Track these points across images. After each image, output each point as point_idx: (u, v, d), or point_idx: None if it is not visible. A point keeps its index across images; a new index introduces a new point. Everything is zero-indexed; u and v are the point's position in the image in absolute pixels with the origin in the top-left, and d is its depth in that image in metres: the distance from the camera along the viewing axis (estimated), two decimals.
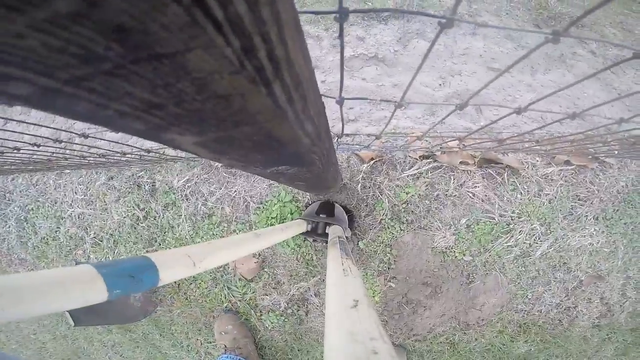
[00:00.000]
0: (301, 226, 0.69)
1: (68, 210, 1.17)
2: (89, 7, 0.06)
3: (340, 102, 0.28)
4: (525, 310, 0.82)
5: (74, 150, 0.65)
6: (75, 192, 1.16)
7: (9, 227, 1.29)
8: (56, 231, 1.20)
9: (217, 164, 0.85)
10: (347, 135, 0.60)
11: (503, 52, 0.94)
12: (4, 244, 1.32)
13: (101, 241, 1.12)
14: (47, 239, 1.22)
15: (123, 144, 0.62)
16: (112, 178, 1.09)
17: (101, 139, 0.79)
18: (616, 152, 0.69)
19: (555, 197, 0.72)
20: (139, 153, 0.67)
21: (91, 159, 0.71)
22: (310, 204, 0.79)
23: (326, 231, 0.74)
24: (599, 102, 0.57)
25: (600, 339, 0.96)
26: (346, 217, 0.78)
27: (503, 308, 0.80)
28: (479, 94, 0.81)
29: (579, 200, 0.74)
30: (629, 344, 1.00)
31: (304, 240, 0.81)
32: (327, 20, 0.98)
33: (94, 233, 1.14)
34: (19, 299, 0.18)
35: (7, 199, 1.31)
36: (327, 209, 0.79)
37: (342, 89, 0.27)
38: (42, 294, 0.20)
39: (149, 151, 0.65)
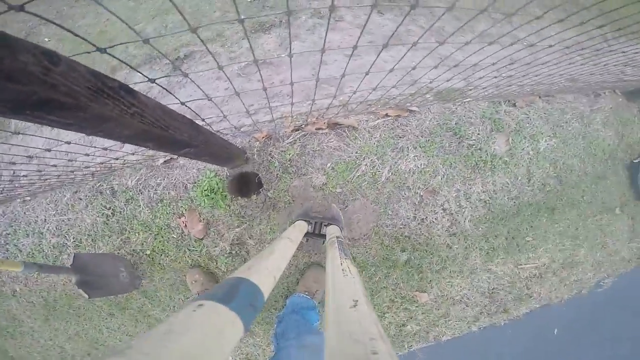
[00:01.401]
0: (303, 227, 0.80)
1: (45, 225, 1.41)
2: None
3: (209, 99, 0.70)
4: (391, 225, 1.21)
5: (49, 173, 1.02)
6: (47, 210, 1.41)
7: None
8: (39, 245, 1.42)
9: (157, 162, 1.24)
10: (241, 129, 1.02)
11: (352, 40, 1.41)
12: None
13: (81, 242, 1.39)
14: (33, 252, 1.43)
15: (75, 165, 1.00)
16: (76, 192, 1.39)
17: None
18: (430, 102, 1.13)
19: (382, 138, 1.16)
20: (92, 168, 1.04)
21: (76, 174, 1.07)
22: (229, 179, 1.16)
23: (322, 232, 0.83)
24: (427, 69, 0.88)
25: (462, 247, 1.34)
26: (342, 216, 0.95)
27: (374, 224, 1.20)
28: (336, 77, 1.25)
29: (399, 137, 1.18)
30: (487, 250, 1.38)
31: (232, 200, 1.18)
32: (222, 38, 1.41)
33: (74, 237, 1.40)
34: None
35: None
36: (322, 208, 0.98)
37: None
38: (211, 354, 0.20)
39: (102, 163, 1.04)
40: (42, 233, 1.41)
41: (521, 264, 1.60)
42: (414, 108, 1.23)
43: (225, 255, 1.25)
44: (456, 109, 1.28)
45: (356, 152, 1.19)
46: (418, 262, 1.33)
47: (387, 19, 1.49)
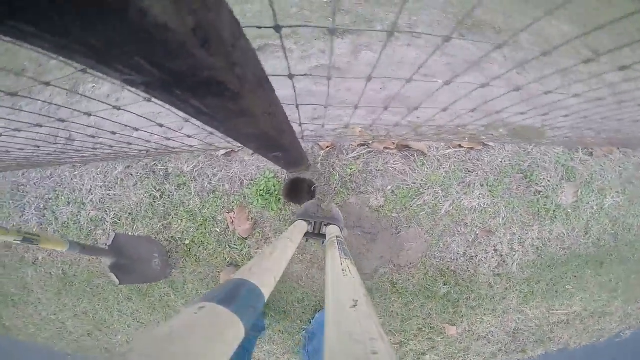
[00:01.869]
0: (303, 227, 0.77)
1: (88, 196, 1.39)
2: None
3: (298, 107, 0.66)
4: (440, 257, 1.18)
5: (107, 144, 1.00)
6: (95, 180, 1.39)
7: (28, 216, 1.46)
8: (77, 215, 1.41)
9: (217, 153, 1.21)
10: (316, 124, 0.98)
11: (432, 60, 1.34)
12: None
13: (119, 220, 1.38)
14: (68, 223, 1.41)
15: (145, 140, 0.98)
16: (129, 167, 1.35)
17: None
18: (505, 138, 1.07)
19: (450, 170, 1.11)
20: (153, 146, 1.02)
21: (132, 150, 1.06)
22: (285, 182, 1.14)
23: (322, 232, 0.81)
24: (504, 100, 0.84)
25: (503, 288, 1.31)
26: (342, 216, 0.89)
27: (423, 254, 1.16)
28: (408, 94, 1.19)
29: (468, 171, 1.12)
30: (526, 293, 1.35)
31: (284, 205, 1.16)
32: (297, 36, 1.36)
33: (114, 214, 1.38)
34: None
35: (21, 191, 1.48)
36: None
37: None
38: (211, 356, 0.20)
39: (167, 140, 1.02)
40: (84, 204, 1.39)
41: (553, 310, 1.56)
42: (489, 143, 1.16)
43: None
44: (532, 150, 1.20)
45: (421, 180, 1.14)
46: (456, 297, 1.30)
47: (469, 42, 1.39)
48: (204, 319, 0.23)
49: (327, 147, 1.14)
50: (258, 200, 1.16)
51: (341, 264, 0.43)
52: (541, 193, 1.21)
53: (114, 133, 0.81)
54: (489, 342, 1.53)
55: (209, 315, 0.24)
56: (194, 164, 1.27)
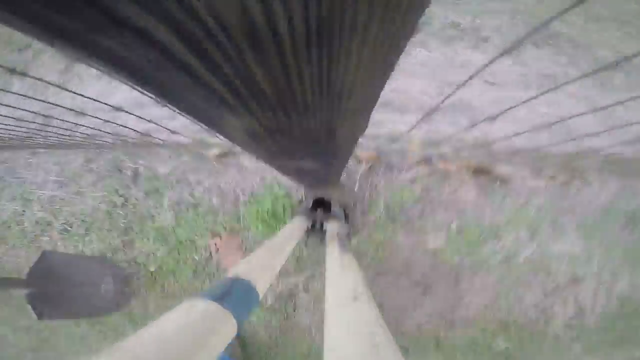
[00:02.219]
0: (303, 223, 0.69)
1: (37, 192, 1.10)
2: None
3: None
4: (506, 309, 0.88)
5: (61, 127, 0.62)
6: (48, 173, 1.09)
7: None
8: (21, 214, 1.13)
9: (208, 152, 0.83)
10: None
11: (501, 67, 0.96)
12: None
13: (71, 227, 1.07)
14: (10, 222, 1.14)
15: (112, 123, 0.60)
16: (90, 160, 1.03)
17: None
18: (601, 170, 0.74)
19: (543, 207, 0.77)
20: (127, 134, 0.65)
21: (77, 137, 0.68)
22: (303, 200, 0.80)
23: (323, 228, 0.74)
24: (588, 125, 0.60)
25: (570, 338, 1.04)
26: (343, 212, 0.78)
27: (487, 307, 0.86)
28: (472, 105, 0.83)
29: (562, 211, 0.79)
30: (594, 342, 1.09)
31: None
32: None
33: (64, 218, 1.08)
34: None
35: None
36: (322, 204, 0.80)
37: None
38: (203, 354, 0.19)
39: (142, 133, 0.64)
40: (30, 200, 1.09)
41: (613, 354, 1.34)
42: (589, 177, 0.82)
43: (264, 307, 0.91)
44: None
45: (502, 217, 0.80)
46: (513, 352, 1.03)
47: (544, 54, 1.00)
48: (196, 316, 0.22)
49: (370, 158, 0.78)
50: (258, 226, 0.82)
51: (341, 259, 0.41)
52: None
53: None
54: None
55: (201, 312, 0.23)
56: (174, 165, 0.89)
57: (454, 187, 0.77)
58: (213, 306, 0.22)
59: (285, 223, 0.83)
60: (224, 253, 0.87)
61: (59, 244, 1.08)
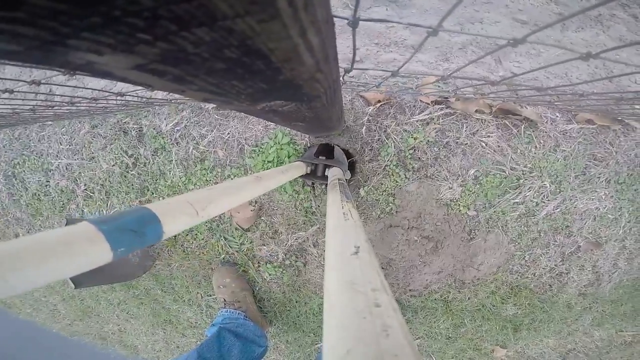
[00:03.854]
0: (300, 168, 0.62)
1: (54, 162, 1.08)
2: None
3: (354, 24, 0.21)
4: (520, 272, 0.77)
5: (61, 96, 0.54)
6: (60, 143, 1.06)
7: None
8: (46, 185, 1.12)
9: (207, 105, 0.74)
10: (358, 69, 0.48)
11: (533, 4, 0.82)
12: None
13: (93, 193, 1.05)
14: (39, 194, 1.14)
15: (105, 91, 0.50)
16: (95, 126, 0.99)
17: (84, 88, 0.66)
18: None
19: (571, 155, 0.65)
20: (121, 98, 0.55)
21: (81, 105, 0.59)
22: (309, 147, 0.70)
23: (325, 174, 0.67)
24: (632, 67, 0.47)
25: (582, 308, 0.93)
26: (346, 158, 0.72)
27: (499, 268, 0.75)
28: (499, 46, 0.70)
29: (594, 160, 0.67)
30: (606, 315, 0.99)
31: (303, 186, 0.73)
32: None
33: (85, 184, 1.06)
34: (22, 266, 0.16)
35: None
36: (326, 150, 0.73)
37: (356, 10, 0.19)
38: (45, 259, 0.17)
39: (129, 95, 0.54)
40: (50, 170, 1.07)
41: (623, 331, 1.21)
42: (633, 122, 0.68)
43: (275, 264, 0.83)
44: None
45: (525, 165, 0.68)
46: (522, 319, 0.92)
47: None
48: (66, 232, 0.19)
49: (379, 101, 0.67)
50: None
51: (342, 207, 0.36)
52: None
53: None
54: None
55: (74, 230, 0.19)
56: (175, 120, 0.81)
57: (473, 129, 0.66)
58: (87, 226, 0.20)
59: None
60: (236, 208, 0.78)
61: (85, 210, 1.08)
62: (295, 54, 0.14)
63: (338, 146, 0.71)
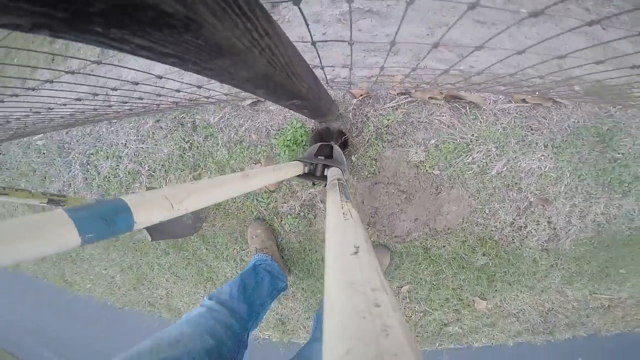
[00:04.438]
0: (297, 167, 0.67)
1: (124, 150, 1.35)
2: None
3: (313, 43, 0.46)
4: (483, 224, 0.96)
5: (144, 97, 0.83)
6: (128, 134, 1.33)
7: (74, 171, 1.46)
8: (116, 169, 1.37)
9: (243, 103, 1.03)
10: (335, 80, 0.75)
11: (491, 6, 1.02)
12: (70, 189, 1.49)
13: (154, 172, 1.33)
14: (109, 177, 1.39)
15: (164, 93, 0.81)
16: (158, 120, 1.28)
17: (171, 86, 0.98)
18: (581, 97, 0.80)
19: (509, 126, 0.86)
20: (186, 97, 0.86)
21: (161, 103, 0.90)
22: (312, 134, 0.95)
23: (325, 173, 0.71)
24: (579, 55, 0.61)
25: (548, 264, 1.08)
26: (345, 158, 0.78)
27: (464, 219, 0.95)
28: (461, 42, 0.92)
29: (530, 129, 0.87)
30: (573, 273, 1.11)
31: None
32: None
33: (148, 166, 1.33)
34: None
35: (66, 149, 1.46)
36: (325, 150, 0.80)
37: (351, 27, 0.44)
38: (17, 240, 0.19)
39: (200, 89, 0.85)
40: (120, 157, 1.36)
41: (597, 293, 1.30)
42: (561, 100, 0.87)
43: (294, 215, 1.10)
44: (616, 112, 0.90)
45: (472, 135, 0.90)
46: (494, 270, 1.09)
47: None
48: (39, 217, 0.20)
49: (361, 95, 0.92)
50: (285, 150, 0.99)
51: (342, 207, 0.38)
52: (618, 161, 0.93)
53: (136, 84, 0.65)
54: (518, 320, 1.33)
55: (47, 216, 0.21)
56: (220, 115, 1.11)
57: (431, 111, 0.89)
58: (60, 213, 0.22)
59: (304, 148, 0.99)
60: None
61: (147, 186, 1.34)
62: (299, 89, 0.39)
63: (336, 145, 0.84)
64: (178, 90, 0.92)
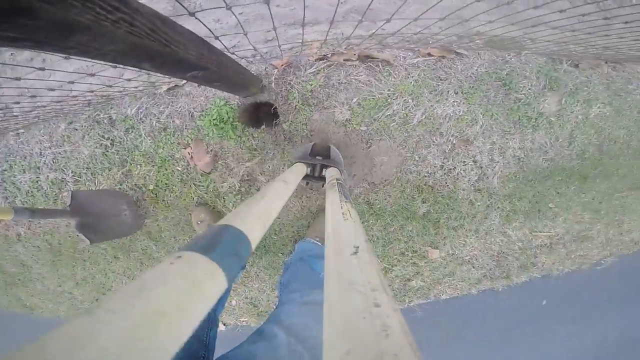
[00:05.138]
0: (302, 169, 0.68)
1: (41, 159, 1.22)
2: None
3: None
4: (416, 172, 1.02)
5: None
6: (41, 142, 1.21)
7: None
8: (37, 181, 1.25)
9: (159, 90, 1.02)
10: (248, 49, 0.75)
11: None
12: None
13: (80, 177, 1.22)
14: (31, 191, 1.26)
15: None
16: (71, 122, 1.18)
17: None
18: (480, 47, 0.87)
19: (420, 78, 0.95)
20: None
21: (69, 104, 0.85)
22: (240, 108, 0.96)
23: (322, 174, 0.72)
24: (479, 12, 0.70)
25: (484, 205, 1.17)
26: (342, 158, 0.78)
27: (398, 169, 1.00)
28: (373, 7, 0.96)
29: (439, 79, 0.95)
30: (507, 211, 1.20)
31: (244, 131, 0.98)
32: None
33: (72, 171, 1.22)
34: (167, 323, 0.16)
35: None
36: (322, 150, 0.81)
37: None
38: (187, 310, 0.17)
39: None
40: (38, 167, 1.23)
41: (536, 231, 1.43)
42: (461, 51, 0.96)
43: (234, 192, 1.09)
44: (510, 59, 1.03)
45: (388, 90, 0.96)
46: (436, 216, 1.16)
47: None
48: (179, 270, 0.18)
49: (282, 65, 0.95)
50: (213, 130, 1.01)
51: (342, 207, 0.38)
52: (522, 100, 1.05)
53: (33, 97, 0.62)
54: (474, 267, 1.42)
55: (185, 265, 0.19)
56: (137, 105, 1.10)
57: (348, 72, 0.94)
58: (198, 258, 0.20)
59: (232, 124, 0.99)
60: (197, 158, 1.06)
61: (66, 194, 1.15)
62: (186, 57, 0.41)
63: (333, 145, 0.86)
64: (92, 91, 0.89)
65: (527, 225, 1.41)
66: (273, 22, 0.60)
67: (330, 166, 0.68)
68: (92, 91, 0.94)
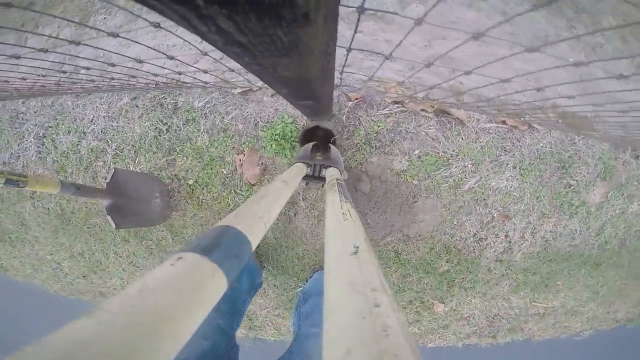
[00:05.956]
0: (303, 169, 0.68)
1: (90, 126, 1.18)
2: None
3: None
4: (450, 234, 1.01)
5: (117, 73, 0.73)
6: (98, 110, 1.17)
7: (27, 144, 1.26)
8: (77, 145, 1.21)
9: (234, 91, 0.98)
10: (346, 72, 0.73)
11: (494, 37, 1.04)
12: (18, 161, 1.29)
13: (121, 152, 1.18)
14: (68, 152, 1.22)
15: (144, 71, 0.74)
16: (135, 98, 1.13)
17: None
18: (553, 123, 0.85)
19: (487, 145, 0.90)
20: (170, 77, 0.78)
21: (138, 83, 0.80)
22: (304, 132, 0.92)
23: (322, 174, 0.71)
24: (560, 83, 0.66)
25: (500, 274, 1.17)
26: (341, 158, 0.77)
27: (434, 228, 0.99)
28: (455, 58, 0.93)
29: (504, 150, 0.92)
30: (520, 282, 1.22)
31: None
32: None
33: (116, 145, 1.18)
34: (168, 325, 0.15)
35: (20, 119, 1.27)
36: (322, 150, 0.80)
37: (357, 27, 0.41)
38: (188, 311, 0.17)
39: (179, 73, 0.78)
40: (84, 133, 1.19)
41: (535, 302, 1.45)
42: (536, 125, 0.94)
43: None
44: (578, 141, 0.99)
45: (453, 150, 0.93)
46: (454, 276, 1.16)
47: (541, 16, 1.07)
48: (180, 271, 0.18)
49: (357, 99, 0.91)
50: (272, 144, 0.96)
51: (341, 207, 0.37)
52: (572, 187, 1.02)
53: (112, 65, 0.56)
54: (468, 324, 1.44)
55: (186, 266, 0.19)
56: (206, 99, 1.04)
57: (419, 123, 0.91)
58: (199, 259, 0.20)
59: (292, 144, 0.96)
60: (246, 167, 1.01)
61: (111, 166, 1.18)
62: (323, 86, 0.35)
63: (332, 145, 0.82)
64: (156, 75, 0.84)
65: (530, 296, 1.44)
66: (351, 44, 0.57)
67: (330, 166, 0.67)
68: (163, 76, 0.88)
